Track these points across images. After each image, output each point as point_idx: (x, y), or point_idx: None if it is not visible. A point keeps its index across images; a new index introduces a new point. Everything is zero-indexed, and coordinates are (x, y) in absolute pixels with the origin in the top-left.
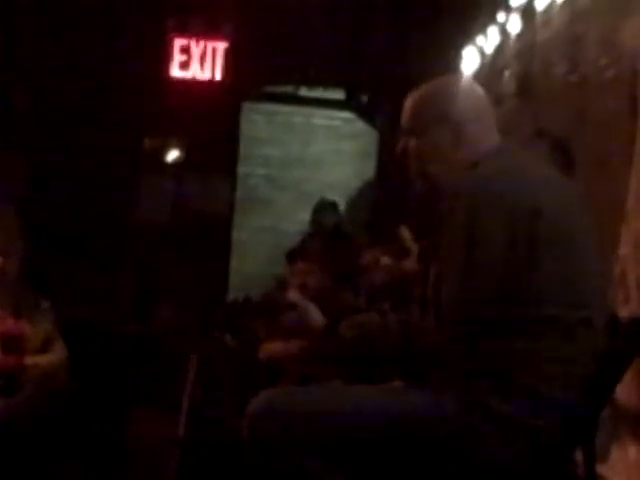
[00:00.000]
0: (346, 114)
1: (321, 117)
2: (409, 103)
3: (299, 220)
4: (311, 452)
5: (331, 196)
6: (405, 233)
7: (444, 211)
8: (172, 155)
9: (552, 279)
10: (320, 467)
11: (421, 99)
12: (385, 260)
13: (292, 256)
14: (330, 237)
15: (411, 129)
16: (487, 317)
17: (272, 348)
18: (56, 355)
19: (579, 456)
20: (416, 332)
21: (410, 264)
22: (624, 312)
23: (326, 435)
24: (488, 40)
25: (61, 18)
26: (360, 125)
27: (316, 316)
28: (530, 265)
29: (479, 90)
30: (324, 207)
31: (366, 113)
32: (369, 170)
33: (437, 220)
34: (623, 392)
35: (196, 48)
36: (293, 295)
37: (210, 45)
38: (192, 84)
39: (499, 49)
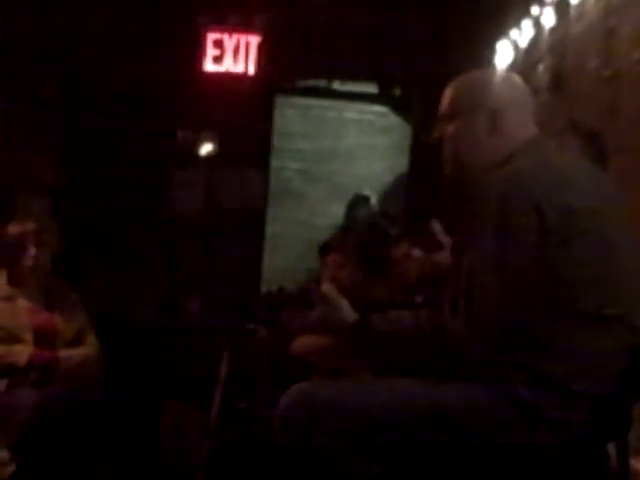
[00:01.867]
0: (379, 108)
1: (354, 111)
2: (448, 90)
3: (332, 213)
4: (343, 445)
5: (364, 190)
6: (437, 226)
7: (476, 208)
8: (205, 149)
9: (585, 275)
10: (352, 460)
11: (460, 86)
12: (417, 253)
13: (325, 249)
14: (364, 231)
15: (449, 115)
16: (519, 319)
17: (304, 342)
18: (88, 348)
19: (612, 451)
20: (447, 330)
21: (442, 257)
22: None
23: (358, 428)
24: (522, 34)
25: (96, 10)
26: (393, 119)
27: (347, 311)
28: (562, 262)
29: (518, 81)
30: (358, 202)
31: (399, 107)
32: (402, 164)
33: (468, 215)
34: None
35: (229, 42)
36: (326, 288)
37: (243, 39)
38: (225, 78)
39: (533, 43)
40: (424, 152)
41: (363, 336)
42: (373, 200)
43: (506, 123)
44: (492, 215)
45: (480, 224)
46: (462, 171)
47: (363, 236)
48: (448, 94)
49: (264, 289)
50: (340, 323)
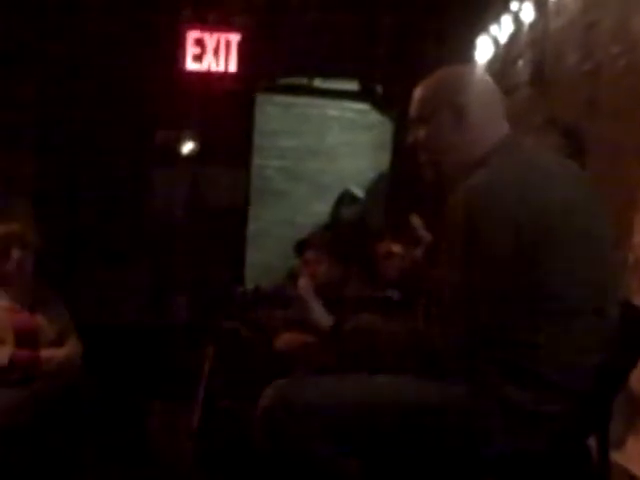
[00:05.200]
0: (361, 105)
1: (336, 108)
2: (416, 93)
3: (315, 212)
4: (323, 441)
5: (351, 187)
6: (416, 221)
7: (448, 218)
8: (187, 147)
9: (564, 273)
10: (332, 456)
11: (425, 88)
12: (397, 249)
13: (300, 247)
14: (348, 229)
15: (417, 118)
16: (489, 321)
17: (288, 338)
18: (70, 349)
19: (594, 444)
20: (422, 336)
21: (420, 253)
22: (638, 299)
23: (338, 425)
24: (502, 29)
25: (75, 9)
26: (375, 116)
27: (321, 313)
28: (541, 263)
29: (487, 80)
30: (346, 199)
31: (380, 104)
32: (384, 161)
33: (444, 222)
34: (637, 379)
35: (210, 40)
36: (302, 287)
37: (224, 37)
38: (206, 76)
39: (513, 38)
40: (405, 149)
41: (336, 343)
42: (361, 197)
43: (473, 119)
44: (464, 227)
45: (452, 234)
46: (440, 176)
47: (346, 233)
48: (415, 97)
49: (240, 288)
50: (314, 325)
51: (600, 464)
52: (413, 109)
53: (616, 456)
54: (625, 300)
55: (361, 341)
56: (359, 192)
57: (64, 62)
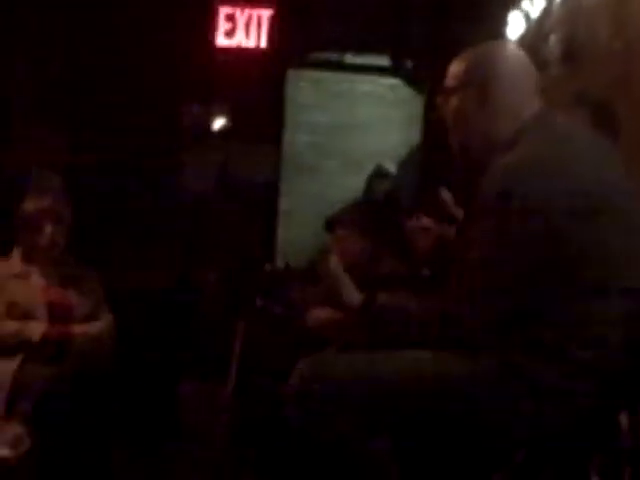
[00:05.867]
0: (392, 80)
1: (367, 83)
2: (451, 67)
3: (346, 187)
4: (354, 418)
5: (385, 162)
6: (446, 195)
7: (481, 197)
8: (218, 123)
9: (597, 252)
10: (362, 432)
11: (456, 64)
12: (427, 223)
13: (330, 224)
14: (381, 205)
15: (446, 91)
16: (515, 303)
17: (319, 315)
18: (103, 323)
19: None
20: (452, 316)
21: (450, 229)
22: None
23: (369, 401)
24: (534, 4)
25: None
26: (406, 91)
27: (350, 290)
28: (574, 242)
29: (520, 56)
30: (377, 174)
31: (412, 79)
32: (416, 136)
33: (474, 201)
34: None
35: (241, 16)
36: (332, 264)
37: (255, 13)
38: (238, 52)
39: (544, 14)
40: (437, 124)
41: (366, 319)
42: (393, 172)
43: (503, 100)
44: (498, 206)
45: (485, 213)
46: (467, 153)
47: (378, 209)
48: (449, 72)
49: (268, 266)
50: (344, 303)
51: (632, 443)
52: (445, 83)
53: None
54: None
55: (390, 318)
56: (392, 167)
57: (97, 38)
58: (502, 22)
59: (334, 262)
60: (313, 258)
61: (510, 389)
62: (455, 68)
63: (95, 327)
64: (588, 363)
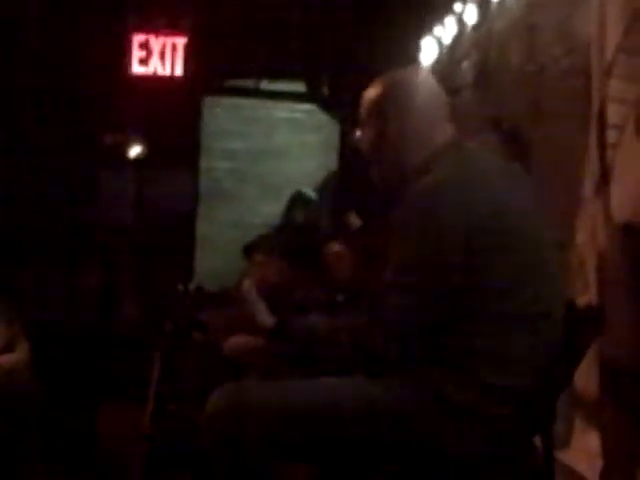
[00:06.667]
0: (308, 106)
1: (283, 110)
2: (364, 96)
3: (265, 213)
4: (267, 446)
5: (304, 188)
6: (355, 221)
7: (398, 219)
8: (134, 151)
9: (510, 276)
10: (276, 460)
11: (366, 93)
12: (340, 250)
13: (248, 250)
14: (300, 231)
15: (364, 121)
16: (434, 326)
17: (238, 342)
18: (20, 355)
19: (539, 443)
20: (366, 333)
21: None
22: (583, 300)
23: (283, 430)
24: (446, 30)
25: (20, 13)
26: (322, 117)
27: (263, 315)
28: (487, 266)
29: (431, 83)
30: (296, 200)
31: (327, 105)
32: (332, 161)
33: (391, 224)
34: (581, 379)
35: (155, 43)
36: (245, 288)
37: (170, 41)
38: (153, 80)
39: (457, 39)
40: (352, 149)
41: (280, 341)
42: (314, 199)
43: (417, 126)
44: (413, 231)
45: (400, 237)
46: (386, 181)
47: (297, 235)
48: (363, 100)
49: (180, 286)
50: (257, 326)
51: (545, 463)
52: (361, 112)
53: (563, 456)
54: (570, 301)
55: (300, 336)
56: (311, 194)
57: (9, 62)
58: (415, 48)
59: (247, 285)
60: (227, 283)
61: (425, 413)
62: (366, 98)
63: (11, 358)
64: (504, 387)
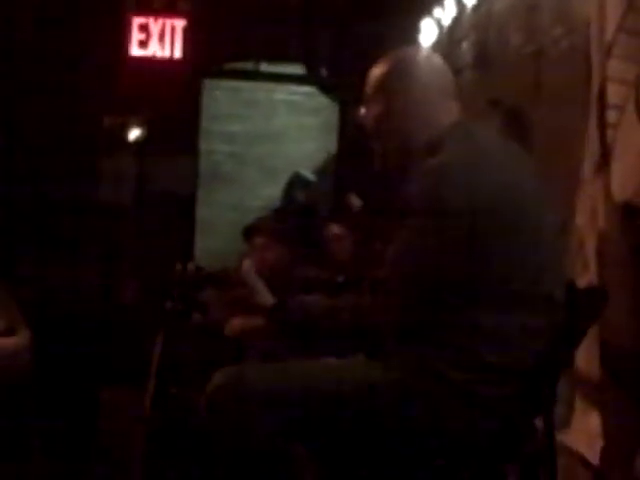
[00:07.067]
0: (307, 88)
1: (283, 92)
2: (369, 74)
3: (264, 195)
4: (267, 427)
5: (302, 170)
6: (355, 201)
7: (403, 199)
8: (134, 134)
9: (513, 258)
10: (277, 442)
11: (372, 70)
12: (339, 231)
13: (248, 233)
14: (299, 212)
15: (364, 97)
16: (435, 307)
17: (240, 323)
18: (20, 338)
19: (540, 425)
20: (366, 311)
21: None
22: (582, 281)
23: (282, 411)
24: (445, 12)
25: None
26: (321, 99)
27: (264, 293)
28: (490, 247)
29: (434, 62)
30: (297, 182)
31: (326, 87)
32: (332, 144)
33: (396, 205)
34: (581, 360)
35: (155, 26)
36: (245, 269)
37: (169, 23)
38: (152, 62)
39: (456, 21)
40: (352, 131)
41: (279, 320)
42: (313, 180)
43: (426, 102)
44: (418, 211)
45: (405, 218)
46: (389, 159)
47: (297, 217)
48: (369, 77)
49: (178, 266)
50: (257, 305)
51: (546, 445)
52: (365, 90)
53: (564, 437)
54: (569, 282)
55: (300, 312)
56: (310, 175)
57: (8, 46)
58: (415, 29)
59: (247, 266)
60: (227, 266)
61: (425, 393)
62: (372, 75)
63: (12, 342)
64: (504, 368)
